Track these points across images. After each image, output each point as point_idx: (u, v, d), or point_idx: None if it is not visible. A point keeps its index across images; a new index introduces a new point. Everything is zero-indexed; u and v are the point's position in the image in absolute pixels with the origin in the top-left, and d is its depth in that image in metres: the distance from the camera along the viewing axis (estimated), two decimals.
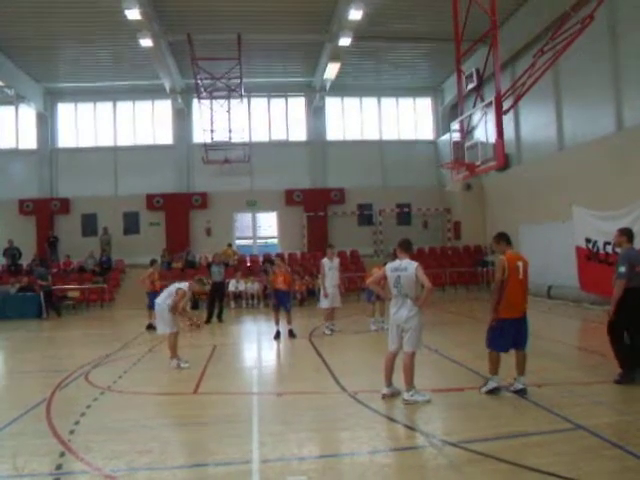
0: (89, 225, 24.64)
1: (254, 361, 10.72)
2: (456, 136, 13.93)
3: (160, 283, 13.65)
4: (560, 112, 18.42)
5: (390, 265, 6.78)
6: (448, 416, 6.15)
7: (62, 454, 5.08)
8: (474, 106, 12.91)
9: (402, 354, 6.59)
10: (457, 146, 13.32)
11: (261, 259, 23.29)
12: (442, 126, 26.36)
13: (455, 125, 14.12)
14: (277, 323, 12.13)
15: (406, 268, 6.54)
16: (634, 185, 13.75)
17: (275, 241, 26.12)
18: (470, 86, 12.99)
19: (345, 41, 18.89)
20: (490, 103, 11.59)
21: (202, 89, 22.94)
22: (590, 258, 14.46)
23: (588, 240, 14.54)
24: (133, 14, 16.19)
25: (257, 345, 12.70)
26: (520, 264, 6.66)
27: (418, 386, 6.50)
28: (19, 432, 5.81)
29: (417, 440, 5.35)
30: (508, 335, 6.59)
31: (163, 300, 9.23)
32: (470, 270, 22.31)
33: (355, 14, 17.03)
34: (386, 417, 5.98)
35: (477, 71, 12.70)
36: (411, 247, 6.89)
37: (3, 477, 4.65)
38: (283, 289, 12.02)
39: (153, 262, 14.74)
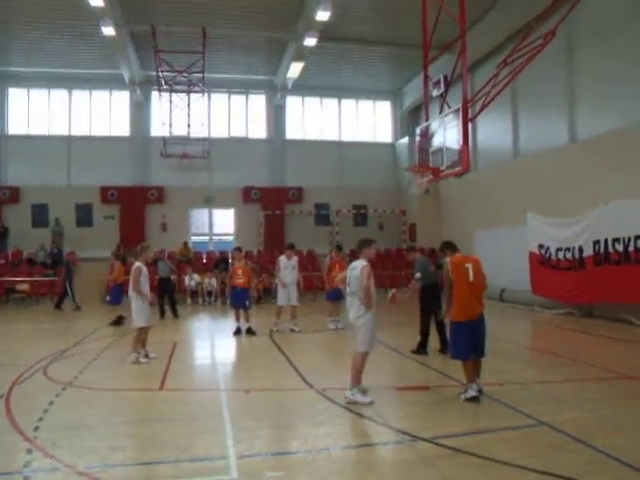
0: (40, 216, 23.67)
1: (217, 358, 10.62)
2: (419, 140, 14.20)
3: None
4: (516, 122, 19.07)
5: (350, 265, 6.92)
6: (417, 413, 6.23)
7: (29, 451, 4.93)
8: (440, 112, 13.19)
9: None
10: (422, 150, 13.58)
11: (218, 255, 23.19)
12: (401, 130, 26.86)
13: (420, 130, 14.37)
14: (237, 319, 12.10)
15: (356, 267, 6.61)
16: (585, 194, 14.39)
17: (231, 238, 25.93)
18: (435, 92, 13.28)
19: (310, 41, 18.97)
20: (457, 110, 11.89)
21: (163, 81, 22.58)
22: (542, 263, 15.04)
23: (541, 246, 15.12)
24: (96, 0, 15.79)
25: (218, 342, 12.52)
26: (469, 266, 6.61)
27: (382, 384, 6.63)
28: None
29: (390, 436, 5.45)
30: (466, 339, 6.51)
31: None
32: None
33: (323, 15, 17.12)
34: (356, 414, 6.06)
35: (444, 78, 13.00)
36: (362, 247, 6.82)
37: None
38: (242, 285, 11.95)
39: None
